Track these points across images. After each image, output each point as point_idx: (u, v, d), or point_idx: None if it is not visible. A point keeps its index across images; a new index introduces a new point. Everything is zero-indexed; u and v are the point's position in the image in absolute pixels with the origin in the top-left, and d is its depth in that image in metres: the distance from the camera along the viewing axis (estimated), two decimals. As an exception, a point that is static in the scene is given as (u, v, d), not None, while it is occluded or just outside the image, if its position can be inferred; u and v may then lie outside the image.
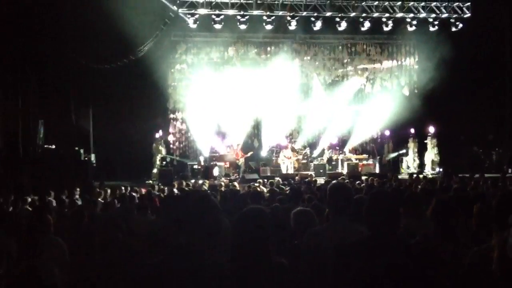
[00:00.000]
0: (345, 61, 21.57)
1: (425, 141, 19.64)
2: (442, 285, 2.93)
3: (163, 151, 19.61)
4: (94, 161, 17.42)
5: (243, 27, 17.99)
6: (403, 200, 4.85)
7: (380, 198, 2.98)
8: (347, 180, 12.40)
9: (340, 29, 18.61)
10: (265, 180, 14.94)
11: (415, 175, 14.50)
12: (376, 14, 18.49)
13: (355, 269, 2.73)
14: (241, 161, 19.11)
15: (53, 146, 17.03)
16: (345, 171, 18.68)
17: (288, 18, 18.01)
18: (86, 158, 16.92)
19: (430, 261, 2.83)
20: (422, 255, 2.80)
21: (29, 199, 9.21)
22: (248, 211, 2.80)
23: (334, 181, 4.63)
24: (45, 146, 17.08)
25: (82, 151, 16.79)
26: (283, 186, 11.58)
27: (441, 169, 18.75)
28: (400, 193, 6.69)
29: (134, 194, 9.41)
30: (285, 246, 4.28)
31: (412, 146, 19.92)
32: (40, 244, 4.84)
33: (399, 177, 15.56)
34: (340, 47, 21.27)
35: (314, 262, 3.41)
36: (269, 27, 18.15)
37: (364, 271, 2.69)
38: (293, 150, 19.92)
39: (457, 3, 18.71)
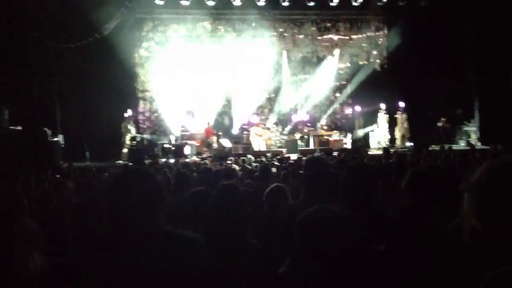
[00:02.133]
0: (315, 37, 21.50)
1: (395, 116, 19.85)
2: (421, 259, 2.93)
3: (133, 130, 19.32)
4: (62, 142, 17.03)
5: (211, 3, 17.68)
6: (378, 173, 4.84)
7: (357, 172, 2.94)
8: (317, 154, 12.45)
9: (309, 4, 18.47)
10: (237, 157, 14.92)
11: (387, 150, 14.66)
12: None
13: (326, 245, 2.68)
14: (213, 139, 18.98)
15: (19, 128, 16.58)
16: (317, 147, 18.77)
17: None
18: (54, 139, 16.53)
19: (409, 235, 2.81)
20: (401, 229, 2.78)
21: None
22: (223, 187, 2.75)
23: (309, 155, 4.56)
24: (11, 127, 16.61)
25: (49, 132, 16.39)
26: (255, 164, 11.55)
27: (411, 144, 19.02)
28: (374, 167, 6.73)
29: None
30: (258, 223, 4.22)
31: (382, 121, 20.09)
32: (14, 230, 4.69)
33: (370, 152, 15.73)
34: (309, 23, 21.16)
35: (289, 238, 3.35)
36: (237, 3, 17.90)
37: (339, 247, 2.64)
38: (264, 127, 19.90)
39: (426, -23, 18.79)
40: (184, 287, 2.10)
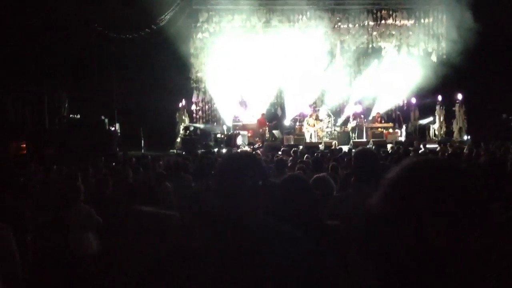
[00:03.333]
0: (370, 27, 21.04)
1: (453, 109, 19.21)
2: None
3: (186, 120, 19.66)
4: (119, 131, 17.55)
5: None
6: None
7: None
8: (370, 146, 12.21)
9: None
10: (289, 148, 14.87)
11: (442, 144, 14.24)
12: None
13: (384, 238, 2.63)
14: (265, 129, 19.01)
15: (78, 116, 17.21)
16: (370, 139, 18.43)
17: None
18: (111, 128, 17.06)
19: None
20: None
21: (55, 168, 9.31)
22: (292, 177, 2.86)
23: (360, 147, 4.49)
24: (71, 116, 17.27)
25: (107, 120, 16.93)
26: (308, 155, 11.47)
27: (469, 137, 18.39)
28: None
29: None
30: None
31: (439, 113, 19.50)
32: (71, 212, 4.91)
33: (427, 145, 15.29)
34: (365, 13, 20.74)
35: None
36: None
37: (393, 239, 2.59)
38: (316, 118, 19.69)
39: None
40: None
